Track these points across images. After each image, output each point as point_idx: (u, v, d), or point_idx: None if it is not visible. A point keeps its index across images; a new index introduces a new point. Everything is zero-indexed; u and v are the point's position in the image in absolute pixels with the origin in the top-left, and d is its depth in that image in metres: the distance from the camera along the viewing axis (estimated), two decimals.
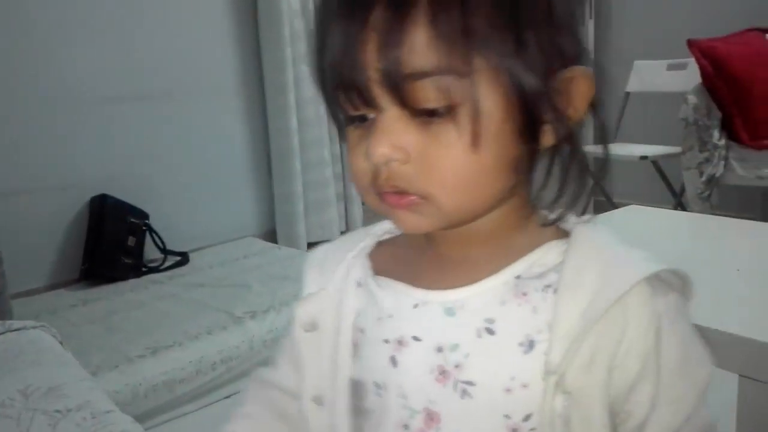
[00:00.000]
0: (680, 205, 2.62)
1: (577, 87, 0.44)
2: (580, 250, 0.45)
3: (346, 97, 0.42)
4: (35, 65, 2.51)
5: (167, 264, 2.73)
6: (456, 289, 0.46)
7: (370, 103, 0.41)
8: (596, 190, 2.99)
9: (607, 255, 0.44)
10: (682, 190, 2.59)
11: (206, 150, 2.99)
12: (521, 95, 0.41)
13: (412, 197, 0.43)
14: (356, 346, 0.50)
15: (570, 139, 0.45)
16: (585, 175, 0.46)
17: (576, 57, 0.44)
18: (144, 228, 2.75)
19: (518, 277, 0.45)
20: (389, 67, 0.39)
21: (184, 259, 2.77)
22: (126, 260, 2.66)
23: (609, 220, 1.67)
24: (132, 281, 2.60)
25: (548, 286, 0.44)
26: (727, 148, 2.39)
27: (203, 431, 1.61)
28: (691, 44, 2.42)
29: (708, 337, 0.90)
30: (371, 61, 0.39)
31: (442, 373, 0.44)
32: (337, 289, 0.51)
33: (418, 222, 0.44)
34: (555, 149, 0.45)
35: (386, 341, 0.47)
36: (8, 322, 1.27)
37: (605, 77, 0.46)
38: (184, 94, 2.86)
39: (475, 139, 0.40)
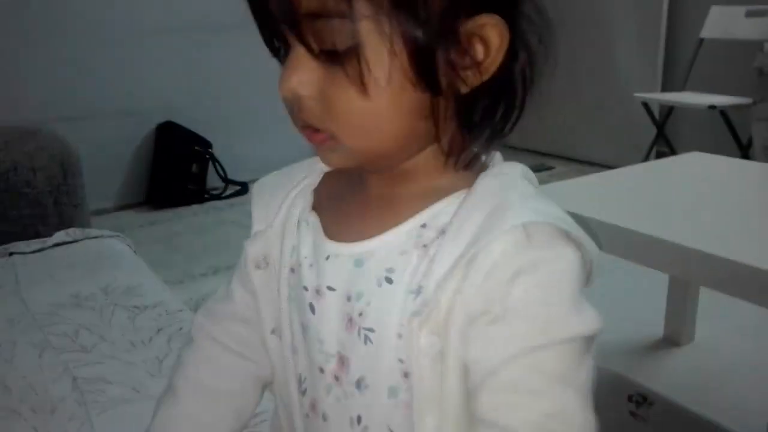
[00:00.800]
0: (746, 158, 2.54)
1: (488, 35, 0.42)
2: (474, 196, 0.45)
3: (265, 33, 0.44)
4: None
5: (228, 192, 2.83)
6: (365, 241, 0.47)
7: (280, 39, 0.43)
8: (659, 139, 2.93)
9: (494, 201, 0.44)
10: (749, 142, 2.51)
11: (269, 83, 3.01)
12: (411, 42, 0.40)
13: (323, 135, 0.44)
14: (290, 286, 0.51)
15: (491, 85, 0.43)
16: (503, 124, 0.46)
17: (491, 3, 0.42)
18: (207, 157, 2.85)
19: (423, 226, 0.45)
20: (285, 9, 0.40)
21: (243, 188, 2.87)
22: (190, 186, 2.77)
23: (670, 164, 1.66)
24: (194, 207, 2.71)
25: (443, 234, 0.44)
26: None
27: None
28: None
29: (759, 277, 0.91)
30: (274, 2, 0.41)
31: (350, 321, 0.46)
32: (281, 225, 0.53)
33: (333, 159, 0.46)
34: (472, 96, 0.44)
35: (306, 288, 0.49)
36: (87, 230, 1.37)
37: (549, 21, 0.44)
38: (249, 24, 2.89)
39: (362, 85, 0.41)
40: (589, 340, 0.42)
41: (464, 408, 0.44)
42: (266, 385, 0.59)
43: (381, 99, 0.41)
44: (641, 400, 1.41)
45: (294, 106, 0.44)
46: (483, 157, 0.48)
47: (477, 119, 0.45)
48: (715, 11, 2.85)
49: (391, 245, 0.46)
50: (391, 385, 0.45)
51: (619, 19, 3.25)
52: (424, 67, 0.41)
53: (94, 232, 1.36)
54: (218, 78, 2.89)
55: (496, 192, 0.44)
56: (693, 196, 1.35)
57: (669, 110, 2.98)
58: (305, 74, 0.42)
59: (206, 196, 2.81)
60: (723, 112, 2.57)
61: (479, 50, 0.42)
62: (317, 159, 0.52)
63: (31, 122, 1.56)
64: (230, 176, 2.89)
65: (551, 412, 0.41)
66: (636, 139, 3.12)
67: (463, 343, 0.42)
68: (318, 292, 0.48)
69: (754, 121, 2.37)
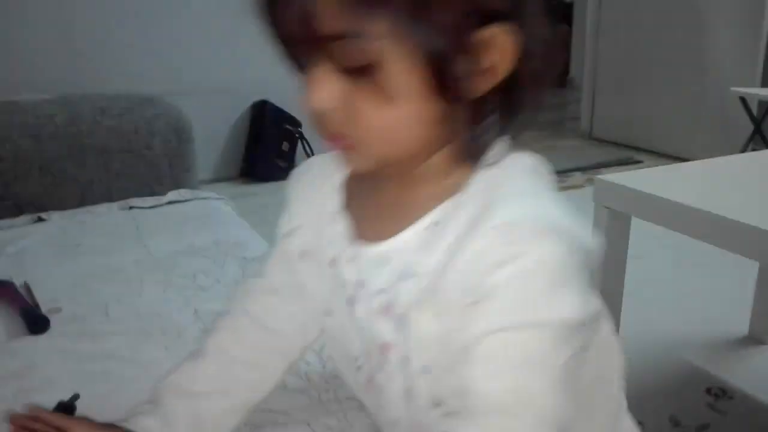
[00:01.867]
0: None
1: (498, 44, 0.45)
2: (473, 191, 0.49)
3: (287, 51, 0.47)
4: None
5: None
6: (386, 241, 0.51)
7: (300, 55, 0.47)
8: (756, 136, 2.83)
9: (485, 200, 0.47)
10: None
11: None
12: (428, 56, 0.43)
13: (348, 141, 0.47)
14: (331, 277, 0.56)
15: (501, 90, 0.47)
16: (512, 122, 0.49)
17: (504, 11, 0.45)
18: (297, 136, 2.97)
19: (436, 224, 0.49)
20: (306, 29, 0.43)
21: None
22: (280, 163, 2.90)
23: (764, 157, 1.62)
24: (283, 182, 2.80)
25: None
26: None
27: None
28: None
29: None
30: (293, 19, 0.44)
31: (387, 310, 0.51)
32: (317, 219, 0.57)
33: (356, 163, 0.50)
34: (486, 99, 0.47)
35: (343, 283, 0.54)
36: (196, 191, 1.49)
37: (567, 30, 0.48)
38: None
39: (386, 97, 0.44)
40: (570, 327, 0.45)
41: None
42: (292, 364, 0.65)
43: (402, 109, 0.45)
44: (720, 393, 1.41)
45: (319, 118, 0.47)
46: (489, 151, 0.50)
47: (487, 121, 0.48)
48: None
49: (408, 244, 0.50)
50: (424, 364, 0.50)
51: (720, 10, 3.14)
52: (442, 78, 0.44)
53: (202, 193, 1.48)
54: None
55: (489, 188, 0.48)
56: None
57: None
58: (329, 89, 0.45)
59: None
60: None
61: (490, 58, 0.45)
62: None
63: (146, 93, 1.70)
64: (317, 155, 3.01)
65: (512, 388, 0.44)
66: (731, 135, 3.02)
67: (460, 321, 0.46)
68: (354, 286, 0.54)
69: None
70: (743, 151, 2.90)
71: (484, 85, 0.46)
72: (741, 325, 1.66)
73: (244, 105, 2.94)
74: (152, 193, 1.46)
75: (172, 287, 1.00)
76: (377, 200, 0.54)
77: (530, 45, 0.46)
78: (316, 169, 0.60)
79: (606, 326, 0.58)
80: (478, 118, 0.48)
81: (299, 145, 2.99)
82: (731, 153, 2.81)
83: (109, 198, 1.43)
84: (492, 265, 0.44)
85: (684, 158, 3.22)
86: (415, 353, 0.50)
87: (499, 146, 0.50)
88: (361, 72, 0.44)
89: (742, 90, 2.80)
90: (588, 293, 0.46)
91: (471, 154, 0.50)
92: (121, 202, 1.40)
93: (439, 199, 0.50)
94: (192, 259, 1.10)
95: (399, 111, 0.45)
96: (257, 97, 2.93)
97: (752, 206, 1.19)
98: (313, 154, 2.96)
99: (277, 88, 2.94)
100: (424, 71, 0.44)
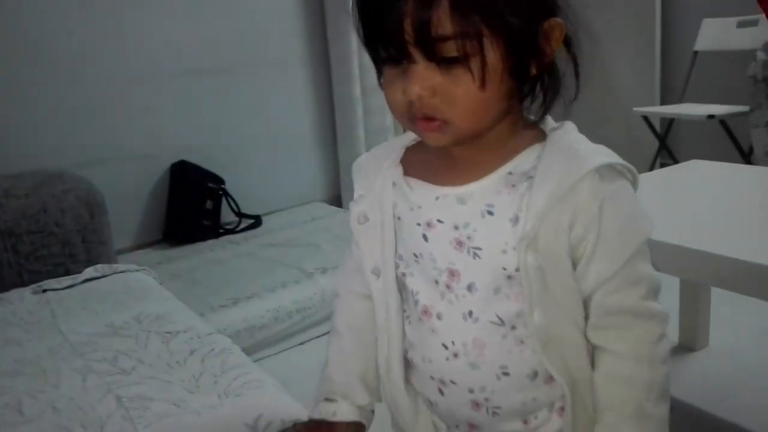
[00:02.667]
0: (749, 165, 2.58)
1: (554, 32, 0.59)
2: (551, 150, 0.61)
3: (387, 51, 0.57)
4: (120, 41, 2.69)
5: (242, 226, 2.89)
6: (465, 185, 0.63)
7: (406, 56, 0.56)
8: (662, 151, 2.98)
9: (569, 152, 0.60)
10: (750, 149, 2.55)
11: (276, 120, 3.13)
12: (514, 48, 0.56)
13: (437, 122, 0.58)
14: (397, 230, 0.67)
15: (549, 68, 0.61)
16: (557, 92, 0.62)
17: (553, 8, 0.59)
18: (220, 193, 2.92)
19: (510, 173, 0.61)
20: (422, 35, 0.54)
21: (257, 221, 2.93)
22: (205, 222, 2.83)
23: (672, 172, 1.71)
24: (210, 242, 2.77)
25: (530, 177, 0.60)
26: None
27: (281, 373, 1.75)
28: (762, 0, 2.37)
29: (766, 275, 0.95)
30: (408, 29, 0.54)
31: (459, 243, 0.62)
32: (379, 189, 0.68)
33: (440, 139, 0.60)
34: (538, 77, 0.60)
35: (418, 224, 0.65)
36: (114, 265, 1.43)
37: (578, 20, 0.62)
38: (254, 66, 3.00)
39: (483, 81, 0.56)
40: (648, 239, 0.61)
41: (569, 304, 0.61)
42: None
43: (491, 89, 0.56)
44: None
45: (414, 106, 0.58)
46: (539, 121, 0.64)
47: (541, 93, 0.62)
48: (707, 24, 2.93)
49: (487, 187, 0.62)
50: (496, 286, 0.61)
51: (616, 37, 3.33)
52: (520, 61, 0.57)
53: (121, 267, 1.43)
54: (227, 117, 2.98)
55: (567, 144, 0.61)
56: (696, 202, 1.40)
57: (670, 122, 3.04)
58: (426, 80, 0.56)
59: (221, 230, 2.86)
60: (722, 121, 2.62)
61: (549, 43, 0.59)
62: (393, 144, 0.71)
63: (53, 168, 1.63)
64: (243, 210, 2.96)
65: (638, 298, 0.61)
66: (640, 152, 3.17)
67: (566, 257, 0.59)
68: (429, 224, 0.64)
69: (752, 128, 2.41)
70: (653, 164, 3.05)
71: (539, 66, 0.59)
72: (671, 334, 1.71)
73: (162, 167, 2.87)
74: (67, 273, 1.39)
75: (91, 374, 0.94)
76: (449, 161, 0.64)
77: (571, 33, 0.60)
78: (372, 156, 0.72)
79: None
80: (533, 94, 0.61)
81: (223, 202, 2.93)
82: (641, 168, 2.95)
83: (21, 283, 1.36)
84: (597, 207, 0.58)
85: None
86: (485, 279, 0.61)
87: (549, 118, 0.64)
88: (461, 62, 0.55)
89: (644, 109, 2.97)
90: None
91: (529, 123, 0.64)
92: (34, 286, 1.33)
93: (505, 159, 0.62)
94: (112, 340, 1.05)
95: (490, 90, 0.56)
96: (175, 159, 2.87)
97: (669, 224, 1.25)
98: (239, 210, 2.95)
99: (196, 148, 2.90)
100: (507, 57, 0.56)
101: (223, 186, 2.93)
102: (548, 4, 0.59)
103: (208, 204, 2.86)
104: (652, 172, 1.85)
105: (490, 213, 0.61)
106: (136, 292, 1.28)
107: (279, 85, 3.10)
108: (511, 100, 0.60)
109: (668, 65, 3.20)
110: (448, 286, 0.63)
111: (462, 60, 0.55)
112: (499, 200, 0.61)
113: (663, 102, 3.19)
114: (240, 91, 2.99)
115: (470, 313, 0.63)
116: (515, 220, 0.60)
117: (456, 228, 0.62)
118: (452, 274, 0.63)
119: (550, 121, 0.65)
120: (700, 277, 1.29)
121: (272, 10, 3.04)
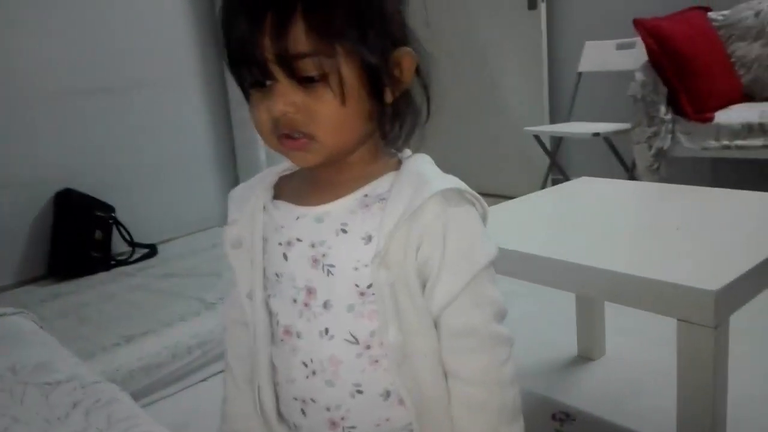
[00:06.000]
0: (633, 179, 2.74)
1: (405, 61, 0.63)
2: (404, 176, 0.65)
3: (251, 72, 0.60)
4: None
5: (136, 256, 2.75)
6: (323, 205, 0.66)
7: (269, 76, 0.59)
8: (553, 168, 3.11)
9: (419, 178, 0.64)
10: (634, 164, 2.71)
11: (170, 142, 3.01)
12: (367, 68, 0.60)
13: (302, 140, 0.61)
14: (264, 252, 0.69)
15: (404, 96, 0.65)
16: (415, 120, 0.67)
17: (404, 39, 0.64)
18: (111, 221, 2.76)
19: (366, 195, 0.65)
20: (280, 53, 0.57)
21: (152, 251, 2.79)
22: (94, 254, 2.67)
23: (562, 190, 1.77)
24: (101, 275, 2.61)
25: (384, 200, 0.64)
26: (674, 122, 2.51)
27: (181, 413, 1.66)
28: (638, 24, 2.53)
29: (652, 287, 0.99)
30: (268, 49, 0.57)
31: (315, 261, 0.65)
32: (250, 214, 0.70)
33: (306, 158, 0.63)
34: (394, 104, 0.65)
35: (280, 244, 0.67)
36: None
37: (429, 57, 0.67)
38: (146, 87, 2.87)
39: (342, 97, 0.59)
40: (493, 262, 0.65)
41: (420, 323, 0.63)
42: None
43: (350, 107, 0.60)
44: (564, 417, 1.47)
45: (278, 123, 0.60)
46: (398, 152, 0.69)
47: (398, 120, 0.66)
48: (590, 46, 3.10)
49: (343, 206, 0.65)
50: (349, 303, 0.64)
51: (505, 60, 3.46)
52: (375, 83, 0.61)
53: None
54: (116, 141, 2.84)
55: (417, 171, 0.65)
56: (585, 218, 1.45)
57: (559, 140, 3.18)
58: (290, 97, 0.59)
59: (112, 262, 2.71)
60: (606, 138, 2.77)
61: (400, 71, 0.63)
62: (268, 172, 0.73)
63: None
64: (136, 239, 2.81)
65: (484, 317, 0.65)
66: (533, 169, 3.30)
67: (415, 276, 0.63)
68: (289, 243, 0.67)
69: (635, 144, 2.56)
70: (545, 181, 3.18)
71: (394, 92, 0.64)
72: (570, 347, 1.76)
73: (45, 196, 2.69)
74: None
75: None
76: (313, 183, 0.68)
77: (421, 63, 0.65)
78: (251, 181, 0.74)
79: None
80: (393, 118, 0.66)
81: (114, 231, 2.77)
82: (535, 185, 3.07)
83: None
84: (441, 226, 0.62)
85: (495, 194, 3.46)
86: (338, 296, 0.64)
87: (407, 150, 0.69)
88: (321, 80, 0.58)
89: (534, 129, 3.09)
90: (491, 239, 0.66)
91: (388, 146, 0.68)
92: None
93: (363, 182, 0.65)
94: None
95: (349, 108, 0.60)
96: (59, 186, 2.69)
97: (562, 241, 1.28)
98: (132, 240, 2.80)
99: (82, 174, 2.73)
100: (363, 78, 0.60)
101: (113, 214, 2.78)
102: (397, 35, 0.63)
103: (98, 234, 2.70)
104: (544, 190, 1.91)
105: (344, 231, 0.64)
106: (13, 339, 1.17)
107: (171, 105, 2.99)
108: (372, 122, 0.64)
109: (555, 86, 3.36)
110: (306, 304, 0.66)
111: (321, 78, 0.58)
112: (354, 219, 0.64)
113: (552, 121, 3.34)
114: (128, 112, 2.85)
115: (326, 330, 0.65)
116: (368, 238, 0.63)
117: (313, 246, 0.65)
118: (310, 292, 0.65)
119: (407, 152, 0.69)
120: (592, 291, 1.34)
121: (163, 31, 2.93)
